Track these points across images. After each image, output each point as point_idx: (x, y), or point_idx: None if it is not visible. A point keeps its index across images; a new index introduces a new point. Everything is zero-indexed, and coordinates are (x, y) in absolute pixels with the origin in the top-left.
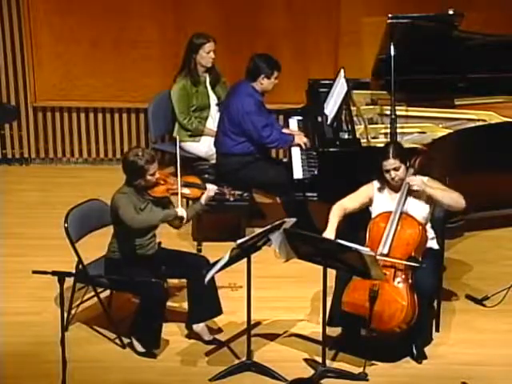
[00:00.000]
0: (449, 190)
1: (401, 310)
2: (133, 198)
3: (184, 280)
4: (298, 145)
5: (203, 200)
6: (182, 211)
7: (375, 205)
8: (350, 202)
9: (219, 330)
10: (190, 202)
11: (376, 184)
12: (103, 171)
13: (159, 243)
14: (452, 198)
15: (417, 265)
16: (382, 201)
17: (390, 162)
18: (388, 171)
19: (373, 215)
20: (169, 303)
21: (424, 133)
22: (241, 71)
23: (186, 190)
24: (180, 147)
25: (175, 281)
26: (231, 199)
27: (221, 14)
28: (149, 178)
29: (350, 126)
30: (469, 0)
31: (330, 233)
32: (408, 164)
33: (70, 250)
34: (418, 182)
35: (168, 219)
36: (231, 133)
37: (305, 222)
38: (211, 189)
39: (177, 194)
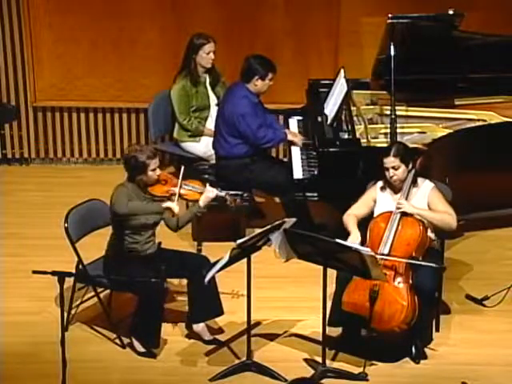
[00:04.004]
0: (441, 211)
1: (401, 310)
2: (133, 195)
3: (184, 280)
4: (293, 142)
5: (201, 202)
6: (172, 204)
7: (377, 204)
8: (359, 209)
9: (219, 330)
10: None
11: (379, 184)
12: (103, 171)
13: (159, 243)
14: (442, 221)
15: (419, 263)
16: (384, 200)
17: (390, 160)
18: (387, 169)
19: (375, 214)
20: (169, 303)
21: (424, 133)
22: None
23: (186, 192)
24: (180, 147)
25: (175, 281)
26: (232, 205)
27: (221, 14)
28: (150, 173)
29: (349, 126)
30: (469, 0)
31: (355, 237)
32: (411, 166)
33: (70, 249)
34: (405, 205)
35: (157, 210)
36: (227, 135)
37: (305, 222)
38: (210, 190)
39: (177, 195)
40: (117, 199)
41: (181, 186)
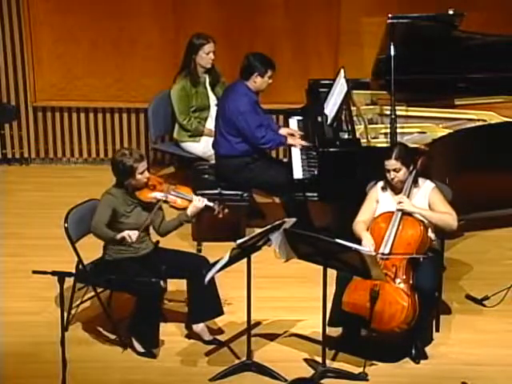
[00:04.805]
0: (442, 212)
1: (401, 310)
2: (119, 201)
3: (184, 280)
4: (292, 145)
5: (188, 211)
6: (128, 233)
7: (379, 204)
8: (365, 215)
9: (219, 330)
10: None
11: (380, 184)
12: (103, 171)
13: (156, 242)
14: (442, 220)
15: (419, 256)
16: (385, 200)
17: (391, 163)
18: (388, 171)
19: (375, 214)
20: (169, 303)
21: (424, 133)
22: None
23: (174, 199)
24: (180, 147)
25: (175, 281)
26: (220, 216)
27: (221, 14)
28: (139, 176)
29: (350, 126)
30: (469, 0)
31: (368, 240)
32: (412, 167)
33: (70, 249)
34: (406, 202)
35: (114, 240)
36: (228, 133)
37: (305, 222)
38: (198, 200)
39: (165, 201)
40: (97, 213)
41: (168, 193)
